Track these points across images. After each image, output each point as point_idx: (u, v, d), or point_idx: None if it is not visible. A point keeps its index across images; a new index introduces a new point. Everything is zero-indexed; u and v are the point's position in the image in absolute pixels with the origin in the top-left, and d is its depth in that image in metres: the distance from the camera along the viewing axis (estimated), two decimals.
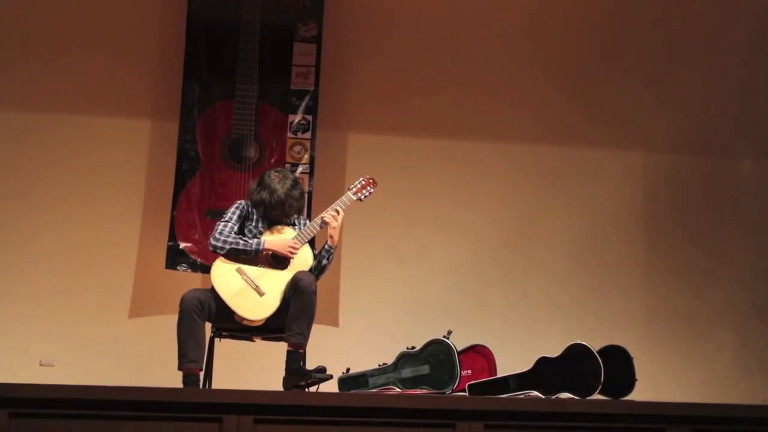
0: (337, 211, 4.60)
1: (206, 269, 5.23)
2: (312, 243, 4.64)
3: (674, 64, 6.24)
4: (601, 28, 6.22)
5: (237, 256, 4.47)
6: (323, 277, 4.64)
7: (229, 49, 5.75)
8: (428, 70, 6.06)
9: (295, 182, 4.62)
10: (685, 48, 6.27)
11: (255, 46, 5.77)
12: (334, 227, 4.57)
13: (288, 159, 5.75)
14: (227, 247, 4.47)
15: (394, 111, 6.02)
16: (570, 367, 4.60)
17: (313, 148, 5.76)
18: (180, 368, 4.29)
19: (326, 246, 4.59)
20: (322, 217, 4.59)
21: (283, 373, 4.34)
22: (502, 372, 4.94)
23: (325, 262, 4.58)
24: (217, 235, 4.49)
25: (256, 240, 4.50)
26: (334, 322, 5.77)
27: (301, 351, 4.37)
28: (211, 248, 4.51)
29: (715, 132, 6.26)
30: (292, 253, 4.49)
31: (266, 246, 4.48)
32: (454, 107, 6.06)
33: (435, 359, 4.96)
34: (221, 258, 4.50)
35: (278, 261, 4.52)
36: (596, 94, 6.17)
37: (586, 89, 6.17)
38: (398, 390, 4.99)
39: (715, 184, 6.27)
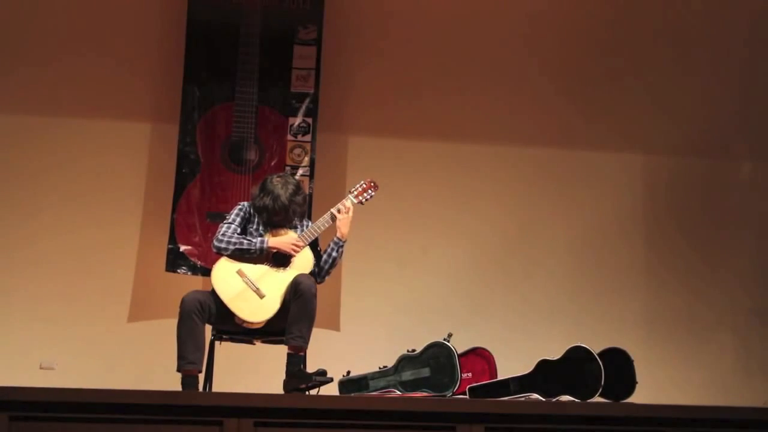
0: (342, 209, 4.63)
1: (206, 272, 5.23)
2: (316, 244, 4.64)
3: (674, 66, 6.24)
4: (601, 30, 6.22)
5: (242, 256, 4.48)
6: (327, 277, 4.65)
7: (229, 52, 5.76)
8: (428, 72, 6.07)
9: (298, 187, 4.63)
10: (685, 50, 6.27)
11: (255, 49, 5.77)
12: (341, 219, 4.59)
13: (288, 161, 5.75)
14: (231, 247, 4.47)
15: (394, 114, 6.03)
16: (570, 369, 4.60)
17: (313, 150, 5.77)
18: (179, 370, 4.29)
19: (335, 239, 4.60)
20: (332, 212, 4.62)
21: (283, 376, 4.34)
22: (502, 374, 4.94)
23: (335, 255, 4.59)
24: (220, 237, 4.50)
25: (260, 239, 4.51)
26: (335, 326, 5.77)
27: (302, 354, 4.37)
28: (215, 250, 4.52)
29: (715, 134, 6.26)
30: (295, 250, 4.49)
31: (270, 244, 4.49)
32: (454, 110, 6.06)
33: (435, 362, 4.96)
34: (222, 260, 4.50)
35: (280, 262, 4.52)
36: (596, 96, 6.17)
37: (586, 92, 6.17)
38: (399, 393, 4.99)
39: (715, 186, 6.27)
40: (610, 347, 4.67)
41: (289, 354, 4.35)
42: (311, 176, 5.73)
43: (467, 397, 4.81)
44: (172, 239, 5.59)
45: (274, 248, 4.50)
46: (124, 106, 5.82)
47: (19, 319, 5.53)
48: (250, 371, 5.10)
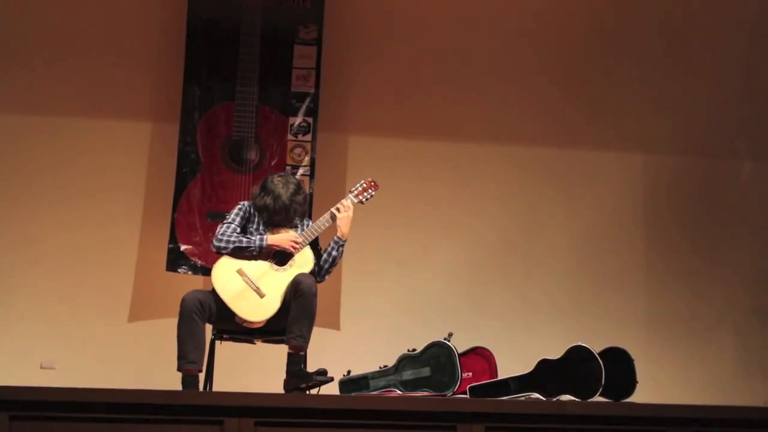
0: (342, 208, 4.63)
1: (207, 272, 5.23)
2: (316, 243, 4.64)
3: (674, 66, 6.24)
4: (601, 29, 6.22)
5: (241, 254, 4.48)
6: (327, 276, 4.65)
7: (230, 52, 5.76)
8: (429, 72, 6.07)
9: (298, 186, 4.63)
10: (685, 49, 6.27)
11: (255, 49, 5.77)
12: (341, 218, 4.59)
13: (288, 161, 5.75)
14: (230, 246, 4.47)
15: (394, 113, 6.03)
16: (571, 369, 4.59)
17: (313, 150, 5.77)
18: (179, 369, 4.29)
19: (336, 238, 4.60)
20: (332, 211, 4.62)
21: (283, 376, 4.34)
22: (502, 374, 4.93)
23: (335, 254, 4.59)
24: (219, 236, 4.50)
25: (259, 236, 4.51)
26: (335, 325, 5.77)
27: (302, 353, 4.37)
28: (214, 249, 4.52)
29: (715, 133, 6.26)
30: (294, 247, 4.49)
31: (269, 242, 4.49)
32: (454, 109, 6.06)
33: (436, 361, 4.96)
34: (222, 259, 4.50)
35: (280, 261, 4.52)
36: (597, 95, 6.18)
37: (586, 91, 6.17)
38: (399, 392, 4.99)
39: (715, 186, 6.27)
40: (610, 346, 4.66)
41: (289, 353, 4.35)
42: (312, 176, 5.73)
43: (468, 396, 4.80)
44: (173, 239, 5.59)
45: (274, 246, 4.50)
46: (125, 106, 5.82)
47: (19, 319, 5.53)
48: (251, 371, 5.10)
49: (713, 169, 6.27)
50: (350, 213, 4.65)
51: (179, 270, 5.57)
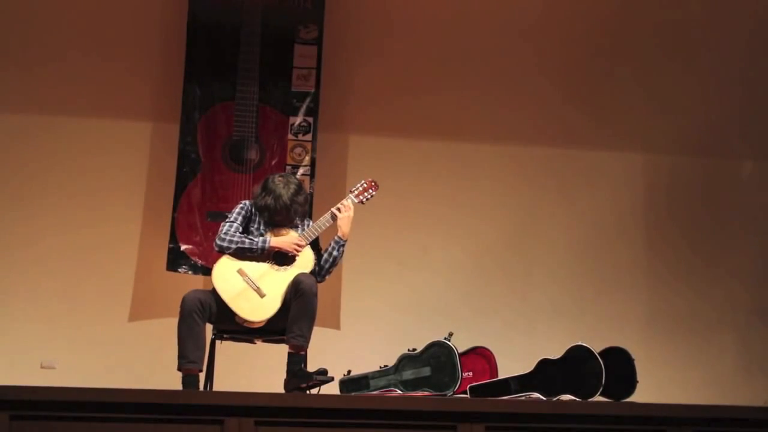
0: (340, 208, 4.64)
1: (207, 271, 5.24)
2: (316, 243, 4.64)
3: (675, 66, 6.24)
4: (601, 29, 6.22)
5: (243, 254, 4.48)
6: (328, 276, 4.65)
7: (230, 51, 5.76)
8: (429, 71, 6.07)
9: (299, 187, 4.63)
10: (686, 49, 6.27)
11: (256, 48, 5.77)
12: (342, 218, 4.59)
13: (289, 161, 5.75)
14: (233, 246, 4.47)
15: (395, 113, 6.03)
16: (571, 368, 4.60)
17: (314, 150, 5.77)
18: (179, 369, 4.29)
19: (336, 238, 4.60)
20: (332, 211, 4.62)
21: (284, 375, 4.34)
22: (503, 374, 4.94)
23: (335, 254, 4.59)
24: (222, 236, 4.50)
25: (261, 238, 4.52)
26: (336, 325, 5.77)
27: (302, 353, 4.37)
28: (216, 249, 4.52)
29: (715, 133, 6.26)
30: (297, 250, 4.50)
31: (272, 243, 4.49)
32: (455, 109, 6.06)
33: (436, 361, 4.96)
34: (222, 259, 4.50)
35: (281, 261, 4.52)
36: (597, 95, 6.18)
37: (586, 91, 6.17)
38: (399, 392, 4.99)
39: (715, 186, 6.27)
40: (610, 346, 4.66)
41: (289, 353, 4.35)
42: (312, 176, 5.73)
43: (468, 396, 4.80)
44: (173, 238, 5.59)
45: (276, 248, 4.50)
46: (125, 105, 5.82)
47: (20, 318, 5.53)
48: (251, 370, 5.10)
49: (713, 168, 6.27)
50: (351, 213, 4.66)
51: (179, 270, 5.57)
